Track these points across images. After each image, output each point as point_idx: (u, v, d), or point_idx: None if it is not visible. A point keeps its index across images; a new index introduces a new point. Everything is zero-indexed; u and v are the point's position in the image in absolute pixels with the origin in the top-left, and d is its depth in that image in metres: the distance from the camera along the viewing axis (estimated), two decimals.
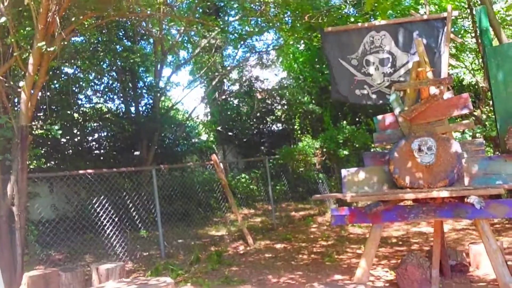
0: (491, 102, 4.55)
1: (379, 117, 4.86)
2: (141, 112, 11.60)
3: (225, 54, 16.62)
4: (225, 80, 16.78)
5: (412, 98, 4.71)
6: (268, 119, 18.82)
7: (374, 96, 5.47)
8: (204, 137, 16.68)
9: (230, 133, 14.32)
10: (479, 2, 9.87)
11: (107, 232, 7.68)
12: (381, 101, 5.43)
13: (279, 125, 19.24)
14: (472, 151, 4.39)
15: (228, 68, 12.96)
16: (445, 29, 5.01)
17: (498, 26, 5.48)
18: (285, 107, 16.69)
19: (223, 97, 14.33)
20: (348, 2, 13.33)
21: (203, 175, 13.14)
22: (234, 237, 8.97)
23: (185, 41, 12.10)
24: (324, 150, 11.87)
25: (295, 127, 14.81)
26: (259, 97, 18.48)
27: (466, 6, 9.55)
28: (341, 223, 4.62)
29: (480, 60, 10.73)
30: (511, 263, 4.53)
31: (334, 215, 4.56)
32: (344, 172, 4.76)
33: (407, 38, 5.23)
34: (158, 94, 11.20)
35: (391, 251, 6.92)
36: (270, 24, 12.57)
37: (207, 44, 12.50)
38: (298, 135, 14.43)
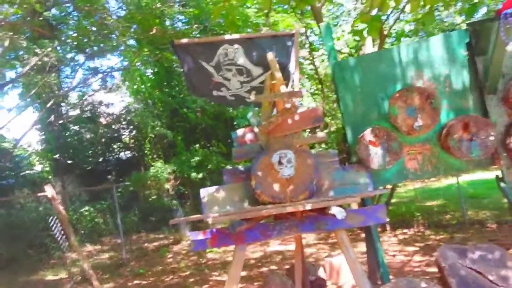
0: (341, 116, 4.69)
1: (238, 131, 4.62)
2: None
3: (64, 76, 14.99)
4: (63, 104, 15.09)
5: (268, 112, 4.60)
6: (115, 146, 17.52)
7: (232, 99, 5.26)
8: (39, 167, 14.58)
9: (69, 161, 12.73)
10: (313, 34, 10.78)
11: None
12: (240, 105, 5.26)
13: (127, 152, 18.06)
14: (327, 162, 4.43)
15: (65, 89, 11.55)
16: (294, 45, 5.10)
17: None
18: (134, 132, 15.75)
19: (60, 121, 12.72)
20: (195, 27, 13.31)
21: (37, 210, 11.36)
22: (76, 280, 7.73)
23: (10, 57, 10.42)
24: (178, 174, 11.34)
25: (146, 152, 13.97)
26: (104, 122, 17.12)
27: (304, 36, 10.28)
28: (203, 248, 4.17)
29: (319, 85, 11.66)
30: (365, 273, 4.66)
31: (194, 240, 4.09)
32: (203, 192, 4.35)
33: (259, 53, 5.17)
34: None
35: (253, 273, 6.72)
36: (115, 43, 11.74)
37: (39, 62, 10.98)
38: (150, 161, 13.62)
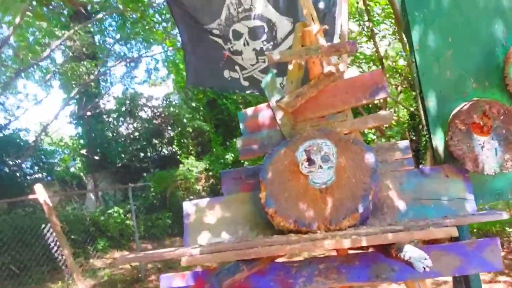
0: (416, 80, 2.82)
1: (248, 110, 2.95)
2: None
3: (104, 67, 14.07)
4: (102, 96, 14.21)
5: (296, 79, 2.88)
6: (156, 141, 16.50)
7: (246, 84, 3.61)
8: (73, 163, 13.82)
9: (96, 157, 11.69)
10: None
11: None
12: (253, 91, 3.59)
13: (170, 148, 17.03)
14: (393, 161, 2.63)
15: (92, 77, 10.49)
16: None
17: None
18: (171, 126, 14.59)
19: (88, 113, 11.70)
20: None
21: (64, 212, 10.38)
22: None
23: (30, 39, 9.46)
24: (211, 173, 9.84)
25: (174, 147, 12.70)
26: (144, 116, 16.14)
27: None
28: None
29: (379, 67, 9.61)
30: None
31: None
32: (187, 206, 2.72)
33: None
34: None
35: None
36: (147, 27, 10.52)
37: (63, 47, 9.96)
38: (182, 158, 12.34)
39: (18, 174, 10.08)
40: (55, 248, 7.49)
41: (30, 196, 6.00)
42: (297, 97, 2.71)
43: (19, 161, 9.82)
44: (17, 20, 8.06)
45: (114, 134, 14.18)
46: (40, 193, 5.77)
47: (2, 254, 7.45)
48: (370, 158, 2.39)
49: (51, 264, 7.96)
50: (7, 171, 9.46)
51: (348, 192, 2.31)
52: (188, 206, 2.68)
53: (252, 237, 2.46)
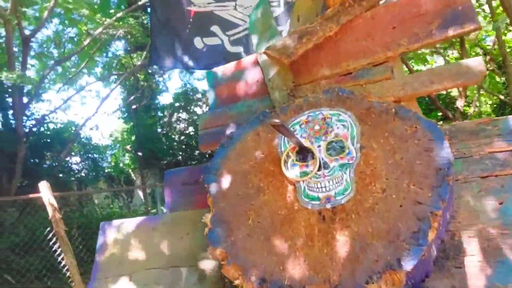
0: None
1: (221, 69, 1.76)
2: None
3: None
4: (156, 90, 13.73)
5: (306, 13, 1.65)
6: None
7: (237, 50, 2.41)
8: (123, 159, 13.47)
9: (143, 153, 11.05)
10: None
11: None
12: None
13: None
14: (484, 156, 1.29)
15: (134, 67, 9.80)
16: None
17: None
18: None
19: (132, 106, 11.07)
20: None
21: (108, 208, 9.88)
22: None
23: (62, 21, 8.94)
24: None
25: None
26: (199, 112, 15.51)
27: None
28: None
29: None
30: None
31: None
32: (105, 231, 1.59)
33: None
34: (23, 99, 7.93)
35: None
36: None
37: (105, 37, 9.38)
38: None
39: (63, 170, 9.68)
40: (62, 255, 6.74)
41: (32, 195, 5.25)
42: (299, 38, 1.48)
43: (61, 156, 9.37)
44: (52, 3, 7.55)
45: (166, 130, 13.63)
46: (44, 192, 4.99)
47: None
48: (435, 149, 1.10)
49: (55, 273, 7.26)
50: (45, 167, 9.04)
51: (382, 222, 1.04)
52: (106, 230, 1.56)
53: None
